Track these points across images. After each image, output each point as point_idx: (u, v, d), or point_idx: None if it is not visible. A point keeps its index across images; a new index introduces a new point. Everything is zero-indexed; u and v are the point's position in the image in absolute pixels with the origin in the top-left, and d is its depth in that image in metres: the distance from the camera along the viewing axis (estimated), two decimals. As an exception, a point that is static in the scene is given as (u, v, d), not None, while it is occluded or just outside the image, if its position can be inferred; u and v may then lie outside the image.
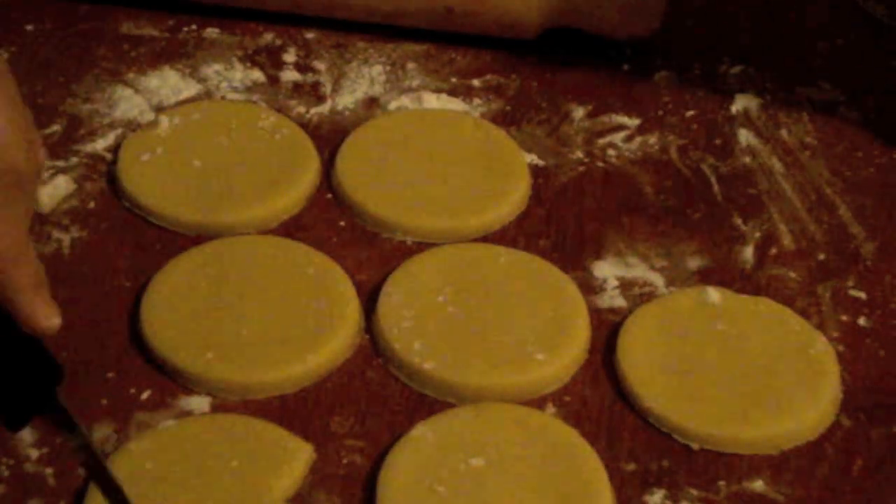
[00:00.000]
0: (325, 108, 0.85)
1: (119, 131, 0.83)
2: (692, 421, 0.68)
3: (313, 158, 0.81)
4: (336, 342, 0.71)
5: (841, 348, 0.73)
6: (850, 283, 0.76)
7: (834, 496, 0.67)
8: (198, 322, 0.71)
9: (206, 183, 0.78)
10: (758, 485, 0.67)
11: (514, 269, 0.75)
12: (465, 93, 0.87)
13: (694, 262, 0.77)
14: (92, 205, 0.79)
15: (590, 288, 0.75)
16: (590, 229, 0.79)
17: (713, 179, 0.82)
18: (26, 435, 0.67)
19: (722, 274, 0.77)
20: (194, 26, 0.90)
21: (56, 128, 0.83)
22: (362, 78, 0.87)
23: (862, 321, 0.74)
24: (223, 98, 0.86)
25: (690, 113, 0.87)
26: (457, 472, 0.65)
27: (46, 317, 0.58)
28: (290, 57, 0.89)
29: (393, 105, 0.86)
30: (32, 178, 0.58)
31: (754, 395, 0.69)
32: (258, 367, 0.70)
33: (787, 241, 0.79)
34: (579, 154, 0.83)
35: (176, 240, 0.77)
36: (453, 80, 0.88)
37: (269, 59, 0.88)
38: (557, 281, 0.74)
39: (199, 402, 0.69)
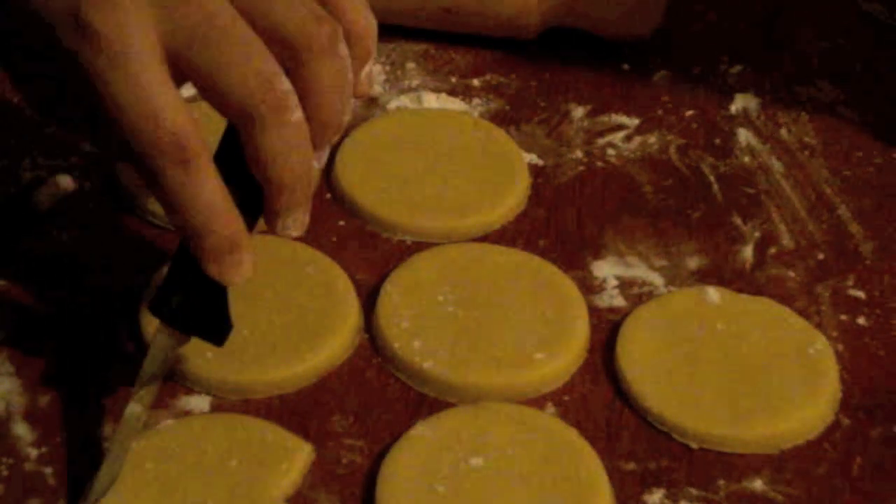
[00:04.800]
0: (324, 108, 0.85)
1: (118, 131, 0.83)
2: (691, 420, 0.68)
3: (313, 158, 0.81)
4: (335, 342, 0.71)
5: (840, 348, 0.73)
6: (850, 283, 0.76)
7: (833, 495, 0.67)
8: (197, 321, 0.71)
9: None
10: (757, 484, 0.67)
11: (513, 268, 0.75)
12: (465, 92, 0.87)
13: (693, 262, 0.77)
14: (91, 204, 0.79)
15: (589, 287, 0.75)
16: (589, 229, 0.79)
17: (712, 179, 0.82)
18: (26, 433, 0.67)
19: (721, 273, 0.77)
20: (194, 26, 0.90)
21: (55, 127, 0.83)
22: (361, 77, 0.87)
23: (861, 320, 0.74)
24: (223, 98, 0.85)
25: (690, 112, 0.87)
26: (456, 471, 0.65)
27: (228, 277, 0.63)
28: (289, 56, 0.88)
29: (392, 105, 0.86)
30: None
31: (753, 395, 0.69)
32: (257, 367, 0.70)
33: (786, 240, 0.79)
34: (579, 154, 0.83)
35: (175, 240, 0.76)
36: (453, 79, 0.88)
37: (269, 59, 0.88)
38: (557, 280, 0.75)
39: (199, 402, 0.69)
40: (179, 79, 0.61)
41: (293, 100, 0.61)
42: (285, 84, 0.60)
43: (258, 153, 0.61)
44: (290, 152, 0.61)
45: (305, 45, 0.61)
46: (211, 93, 0.61)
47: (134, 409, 0.65)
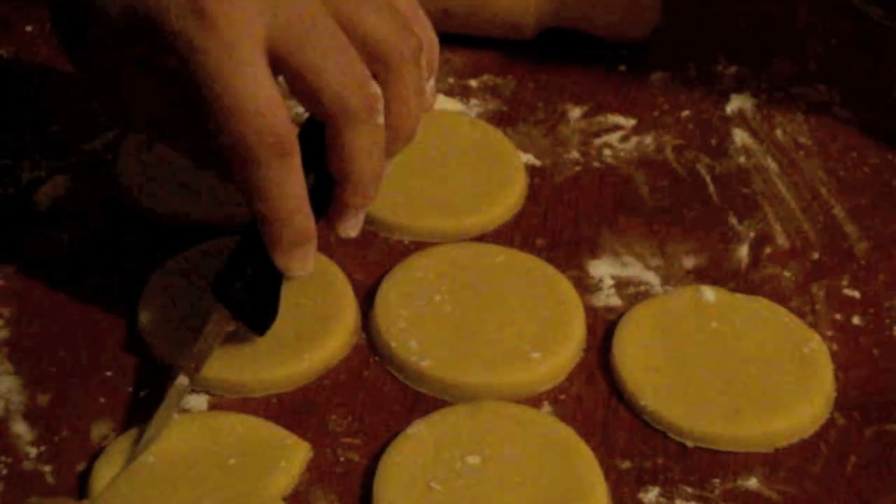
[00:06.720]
0: (322, 109, 0.86)
1: (118, 130, 0.83)
2: (687, 419, 0.69)
3: (311, 158, 0.81)
4: (333, 341, 0.72)
5: (835, 347, 0.73)
6: (845, 283, 0.77)
7: (828, 494, 0.67)
8: (195, 321, 0.71)
9: (205, 182, 0.79)
10: (752, 482, 0.67)
11: (510, 268, 0.75)
12: (462, 93, 0.87)
13: (689, 262, 0.78)
14: (91, 204, 0.79)
15: (585, 287, 0.76)
16: (586, 229, 0.79)
17: (708, 179, 0.83)
18: (25, 432, 0.67)
19: (717, 273, 0.77)
20: (192, 27, 0.91)
21: (55, 127, 0.83)
22: (360, 78, 0.88)
23: (856, 320, 0.75)
24: (221, 98, 0.86)
25: (686, 113, 0.87)
26: (453, 469, 0.66)
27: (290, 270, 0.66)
28: (287, 57, 0.89)
29: (390, 105, 0.86)
30: None
31: (748, 394, 0.70)
32: (256, 366, 0.70)
33: (781, 240, 0.79)
34: (575, 154, 0.84)
35: (174, 239, 0.77)
36: (450, 80, 0.88)
37: (267, 60, 0.89)
38: (553, 280, 0.75)
39: (197, 401, 0.69)
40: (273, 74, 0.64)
41: (381, 103, 0.64)
42: (376, 87, 0.64)
43: (344, 150, 0.64)
44: (374, 151, 0.65)
45: (394, 54, 0.64)
46: (309, 90, 0.63)
47: (182, 380, 0.67)
